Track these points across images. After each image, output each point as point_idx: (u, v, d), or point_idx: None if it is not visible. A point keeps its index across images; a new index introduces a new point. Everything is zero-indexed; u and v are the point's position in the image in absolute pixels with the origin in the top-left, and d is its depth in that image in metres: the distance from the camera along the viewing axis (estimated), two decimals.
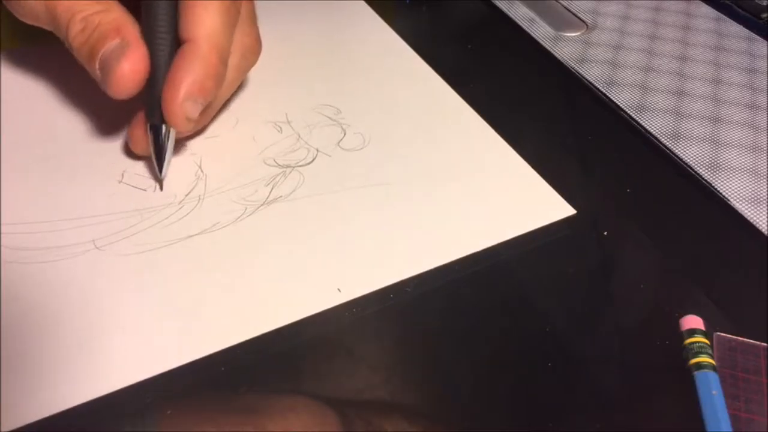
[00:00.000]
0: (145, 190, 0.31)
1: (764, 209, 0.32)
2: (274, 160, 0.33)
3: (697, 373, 0.25)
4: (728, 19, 0.45)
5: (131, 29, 0.30)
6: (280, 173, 0.32)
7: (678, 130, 0.37)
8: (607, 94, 0.39)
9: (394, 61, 0.40)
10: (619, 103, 0.38)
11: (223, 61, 0.30)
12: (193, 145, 0.33)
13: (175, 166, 0.32)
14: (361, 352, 0.26)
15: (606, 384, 0.26)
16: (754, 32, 0.44)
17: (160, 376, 0.24)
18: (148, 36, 0.30)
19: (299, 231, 0.30)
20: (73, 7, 0.30)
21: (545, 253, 0.30)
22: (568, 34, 0.43)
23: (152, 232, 0.29)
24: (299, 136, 0.34)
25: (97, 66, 0.29)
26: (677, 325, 0.27)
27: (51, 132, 0.34)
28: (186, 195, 0.31)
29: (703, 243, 0.31)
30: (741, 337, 0.27)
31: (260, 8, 0.36)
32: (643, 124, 0.37)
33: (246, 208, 0.31)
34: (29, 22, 0.32)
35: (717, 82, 0.40)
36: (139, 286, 0.27)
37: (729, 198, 0.33)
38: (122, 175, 0.32)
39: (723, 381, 0.25)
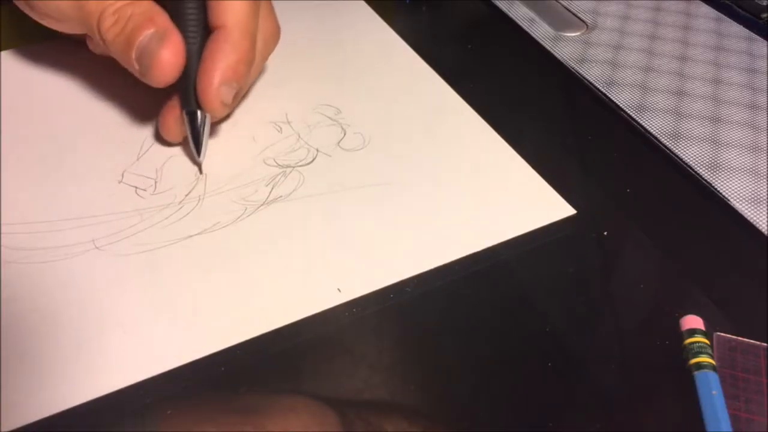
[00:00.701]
0: (145, 189, 0.31)
1: (764, 209, 0.32)
2: (274, 160, 0.33)
3: (697, 373, 0.25)
4: (728, 19, 0.45)
5: (164, 18, 0.30)
6: (280, 173, 0.32)
7: (678, 130, 0.37)
8: (607, 94, 0.39)
9: (394, 61, 0.40)
10: (619, 103, 0.38)
11: (254, 47, 0.32)
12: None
13: (175, 166, 0.32)
14: (361, 352, 0.26)
15: (606, 384, 0.26)
16: (754, 32, 0.44)
17: (160, 376, 0.24)
18: (180, 24, 0.30)
19: (299, 231, 0.30)
20: (103, 1, 0.30)
21: (545, 253, 0.30)
22: (568, 34, 0.43)
23: (152, 232, 0.29)
24: (299, 136, 0.34)
25: (134, 56, 0.30)
26: (677, 325, 0.27)
27: (51, 132, 0.34)
28: (186, 195, 0.31)
29: (703, 243, 0.31)
30: (741, 337, 0.27)
31: None
32: (643, 124, 0.37)
33: (246, 208, 0.31)
34: (50, 23, 0.33)
35: (717, 82, 0.40)
36: (139, 286, 0.27)
37: (729, 198, 0.33)
38: (122, 175, 0.32)
39: (723, 381, 0.25)
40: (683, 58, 0.42)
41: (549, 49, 0.42)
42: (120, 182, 0.31)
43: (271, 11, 0.34)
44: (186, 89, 0.31)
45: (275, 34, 0.35)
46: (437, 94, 0.37)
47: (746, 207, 0.32)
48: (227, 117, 0.35)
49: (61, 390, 0.24)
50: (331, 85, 0.38)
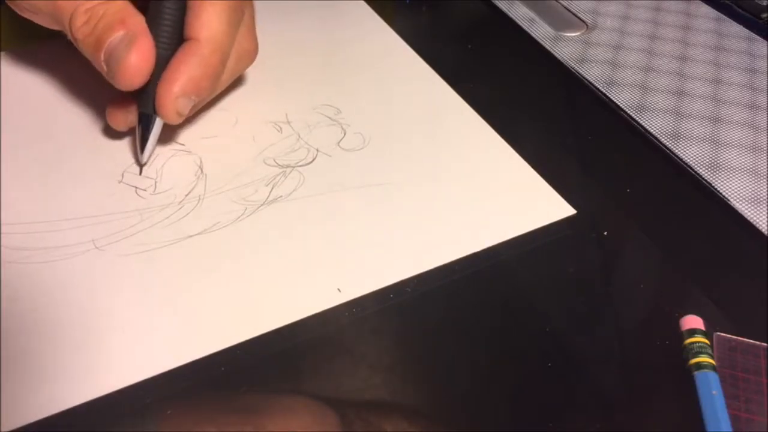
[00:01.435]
0: (145, 189, 0.31)
1: (764, 209, 0.32)
2: (274, 160, 0.33)
3: (697, 373, 0.25)
4: (728, 19, 0.45)
5: (137, 20, 0.30)
6: (280, 173, 0.32)
7: (678, 130, 0.36)
8: (607, 94, 0.39)
9: (394, 61, 0.40)
10: (619, 103, 0.38)
11: (223, 64, 0.31)
12: (192, 145, 0.33)
13: (176, 166, 0.32)
14: (361, 352, 0.26)
15: (606, 384, 0.26)
16: (754, 32, 0.44)
17: (160, 376, 0.24)
18: (154, 28, 0.30)
19: (299, 231, 0.30)
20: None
21: (545, 253, 0.30)
22: (568, 34, 0.43)
23: (152, 232, 0.29)
24: (299, 136, 0.34)
25: (102, 57, 0.29)
26: (677, 325, 0.27)
27: (51, 132, 0.34)
28: (186, 195, 0.31)
29: (703, 243, 0.31)
30: (741, 337, 0.27)
31: (260, 8, 0.36)
32: (643, 124, 0.37)
33: (246, 208, 0.31)
34: (29, 17, 0.32)
35: (717, 82, 0.40)
36: (139, 286, 0.27)
37: (729, 198, 0.33)
38: (122, 175, 0.32)
39: (723, 381, 0.25)
40: (683, 58, 0.42)
41: (549, 49, 0.42)
42: (120, 182, 0.31)
43: (251, 30, 0.34)
44: (146, 91, 0.30)
45: (251, 53, 0.34)
46: (437, 94, 0.37)
47: (746, 207, 0.32)
48: (198, 115, 0.34)
49: (61, 390, 0.24)
50: (331, 85, 0.38)
